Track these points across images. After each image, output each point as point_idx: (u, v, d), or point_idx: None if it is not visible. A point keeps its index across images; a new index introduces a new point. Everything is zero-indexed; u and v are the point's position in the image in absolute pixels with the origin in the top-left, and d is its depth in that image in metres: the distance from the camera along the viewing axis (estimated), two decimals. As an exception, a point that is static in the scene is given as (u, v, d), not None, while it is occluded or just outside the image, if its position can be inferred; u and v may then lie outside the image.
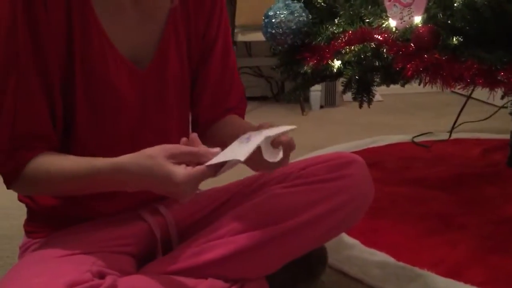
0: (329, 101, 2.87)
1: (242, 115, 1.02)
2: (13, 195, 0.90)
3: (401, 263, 1.15)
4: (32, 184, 0.79)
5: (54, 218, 0.91)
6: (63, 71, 0.80)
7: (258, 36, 2.70)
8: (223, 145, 0.95)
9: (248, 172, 0.90)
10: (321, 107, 2.84)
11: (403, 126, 2.40)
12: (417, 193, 1.54)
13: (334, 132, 2.36)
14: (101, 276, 0.75)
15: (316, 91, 2.80)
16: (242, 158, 0.70)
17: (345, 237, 1.27)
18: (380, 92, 2.65)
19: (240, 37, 2.71)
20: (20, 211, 0.96)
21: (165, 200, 0.97)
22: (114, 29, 0.83)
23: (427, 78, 1.03)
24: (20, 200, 0.94)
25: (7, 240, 1.31)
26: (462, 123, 2.09)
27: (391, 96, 3.01)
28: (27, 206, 0.94)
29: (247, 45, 3.08)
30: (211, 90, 0.98)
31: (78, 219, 0.90)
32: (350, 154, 1.02)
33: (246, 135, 0.78)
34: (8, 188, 0.82)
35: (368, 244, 1.24)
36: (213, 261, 0.85)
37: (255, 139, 0.74)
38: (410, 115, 2.67)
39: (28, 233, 0.94)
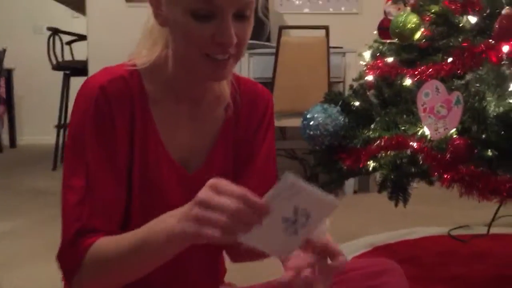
0: (363, 186, 2.88)
1: None
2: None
3: None
4: (93, 269, 0.79)
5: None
6: (126, 172, 0.86)
7: (293, 122, 2.82)
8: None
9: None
10: (355, 192, 2.85)
11: (438, 216, 2.37)
12: (455, 294, 1.51)
13: (368, 220, 2.35)
14: None
15: (350, 176, 2.82)
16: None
17: None
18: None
19: (276, 123, 2.79)
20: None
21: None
22: (169, 135, 0.90)
23: (463, 189, 1.05)
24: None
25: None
26: (501, 216, 2.06)
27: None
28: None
29: (282, 129, 3.17)
30: None
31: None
32: (388, 262, 1.02)
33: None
34: (70, 284, 0.83)
35: None
36: None
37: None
38: (446, 204, 2.63)
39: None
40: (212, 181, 0.68)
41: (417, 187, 2.94)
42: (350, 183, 2.83)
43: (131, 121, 0.86)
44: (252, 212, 0.64)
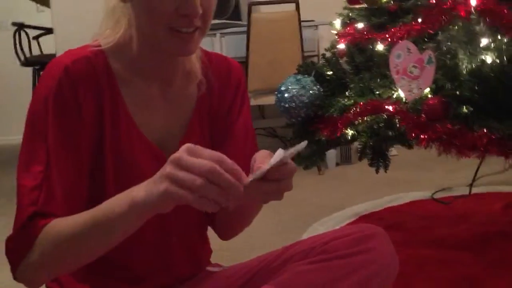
0: (345, 158, 2.89)
1: None
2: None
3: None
4: (47, 251, 0.74)
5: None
6: (94, 154, 0.83)
7: (270, 100, 2.79)
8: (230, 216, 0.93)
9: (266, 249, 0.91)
10: (337, 164, 2.86)
11: (420, 181, 2.39)
12: (441, 255, 1.52)
13: (352, 191, 2.36)
14: None
15: (332, 150, 2.82)
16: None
17: (372, 307, 1.24)
18: (395, 146, 2.67)
19: (253, 101, 2.78)
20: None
21: (189, 281, 0.98)
22: (142, 117, 0.87)
23: (441, 148, 1.04)
24: (47, 286, 0.94)
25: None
26: (481, 176, 2.08)
27: (406, 150, 3.01)
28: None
29: (260, 107, 3.15)
30: None
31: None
32: (371, 227, 1.02)
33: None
34: (14, 275, 0.77)
35: (396, 314, 1.21)
36: None
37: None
38: (427, 169, 2.66)
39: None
40: (187, 144, 0.66)
41: (397, 154, 2.97)
42: (332, 156, 2.83)
43: (98, 102, 0.83)
44: (225, 177, 0.63)
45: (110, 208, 0.71)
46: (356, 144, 1.59)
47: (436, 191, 2.12)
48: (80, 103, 0.80)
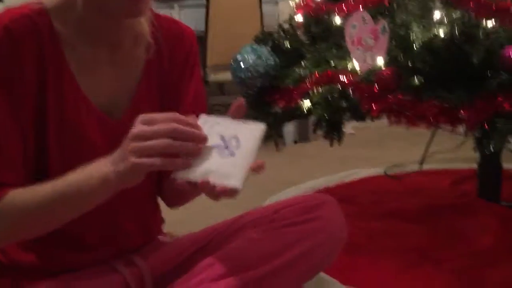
0: (303, 136, 2.91)
1: None
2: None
3: (379, 301, 1.15)
4: (6, 221, 0.75)
5: (26, 273, 0.89)
6: (36, 120, 0.80)
7: (229, 76, 2.77)
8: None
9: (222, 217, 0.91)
10: (295, 142, 2.88)
11: (375, 158, 2.44)
12: (392, 227, 1.56)
13: (309, 167, 2.39)
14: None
15: (289, 127, 2.84)
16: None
17: (323, 275, 1.26)
18: (352, 124, 2.71)
19: (212, 77, 2.75)
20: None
21: (140, 250, 0.96)
22: (88, 81, 0.84)
23: (392, 118, 1.06)
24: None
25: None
26: (431, 153, 2.15)
27: (362, 129, 3.07)
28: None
29: (220, 84, 3.12)
30: None
31: (52, 273, 0.88)
32: (321, 195, 1.03)
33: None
34: None
35: (347, 282, 1.24)
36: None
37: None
38: (382, 146, 2.72)
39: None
40: (141, 116, 0.70)
41: (354, 133, 3.02)
42: (289, 134, 2.85)
43: (41, 63, 0.79)
44: (188, 131, 0.69)
45: (78, 182, 0.73)
46: (313, 120, 1.59)
47: (389, 167, 2.17)
48: (22, 65, 0.77)
